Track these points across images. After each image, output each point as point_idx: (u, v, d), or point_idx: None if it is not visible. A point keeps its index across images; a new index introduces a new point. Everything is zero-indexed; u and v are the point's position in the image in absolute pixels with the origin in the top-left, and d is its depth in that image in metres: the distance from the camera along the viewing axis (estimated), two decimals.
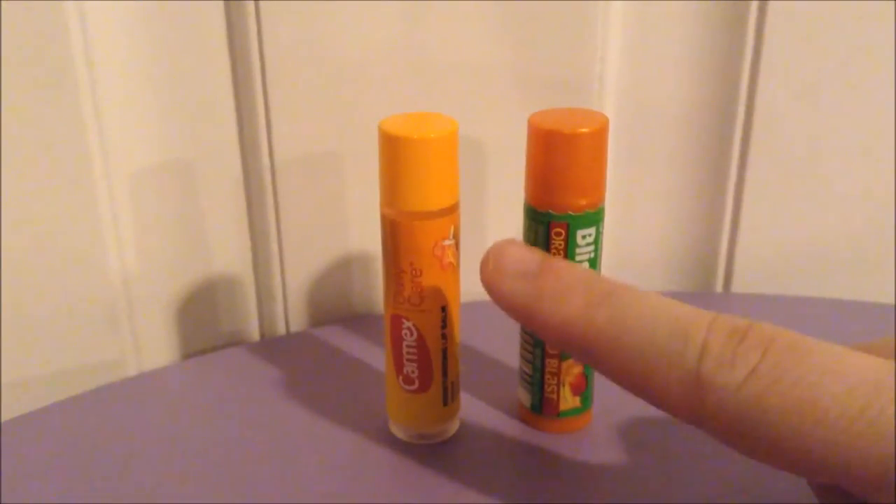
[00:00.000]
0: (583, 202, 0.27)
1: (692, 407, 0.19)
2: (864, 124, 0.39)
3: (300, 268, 0.38)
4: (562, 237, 0.27)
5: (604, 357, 0.20)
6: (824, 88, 0.38)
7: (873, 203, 0.40)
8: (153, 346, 0.37)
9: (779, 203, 0.40)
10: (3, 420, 0.32)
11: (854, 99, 0.38)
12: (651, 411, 0.31)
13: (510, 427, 0.31)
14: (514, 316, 0.22)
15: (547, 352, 0.29)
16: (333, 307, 0.39)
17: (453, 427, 0.30)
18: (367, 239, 0.38)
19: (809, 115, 0.38)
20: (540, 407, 0.30)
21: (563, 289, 0.21)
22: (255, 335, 0.39)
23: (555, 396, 0.30)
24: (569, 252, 0.27)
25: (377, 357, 0.35)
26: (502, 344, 0.34)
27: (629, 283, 0.21)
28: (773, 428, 0.18)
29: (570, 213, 0.27)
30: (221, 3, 0.33)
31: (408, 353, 0.28)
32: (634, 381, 0.20)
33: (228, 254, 0.37)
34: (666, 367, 0.19)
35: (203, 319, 0.38)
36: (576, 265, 0.23)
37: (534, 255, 0.22)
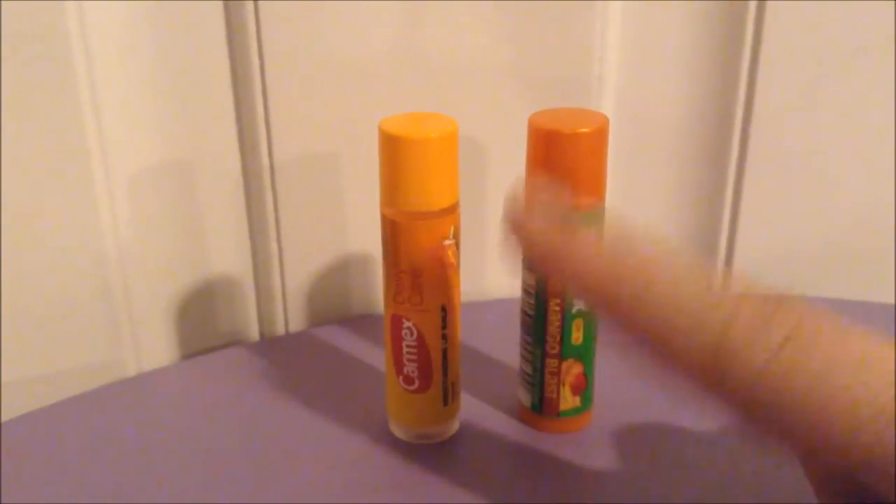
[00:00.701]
0: (583, 202, 0.27)
1: (710, 375, 0.19)
2: (864, 124, 0.39)
3: (299, 268, 0.38)
4: None
5: (629, 307, 0.20)
6: (823, 88, 0.38)
7: (873, 203, 0.40)
8: (153, 346, 0.36)
9: (778, 203, 0.40)
10: (3, 420, 0.32)
11: (853, 99, 0.38)
12: (651, 412, 0.31)
13: (510, 427, 0.31)
14: (540, 258, 0.21)
15: (547, 352, 0.29)
16: (333, 307, 0.39)
17: (453, 427, 0.30)
18: (367, 239, 0.38)
19: (808, 115, 0.38)
20: (540, 407, 0.30)
21: (593, 241, 0.20)
22: (254, 335, 0.39)
23: (555, 396, 0.30)
24: None
25: (377, 357, 0.35)
26: (502, 344, 0.34)
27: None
28: (788, 413, 0.18)
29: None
30: (221, 3, 0.33)
31: (408, 353, 0.28)
32: (655, 333, 0.19)
33: (228, 254, 0.37)
34: (691, 327, 0.19)
35: (202, 320, 0.38)
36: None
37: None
